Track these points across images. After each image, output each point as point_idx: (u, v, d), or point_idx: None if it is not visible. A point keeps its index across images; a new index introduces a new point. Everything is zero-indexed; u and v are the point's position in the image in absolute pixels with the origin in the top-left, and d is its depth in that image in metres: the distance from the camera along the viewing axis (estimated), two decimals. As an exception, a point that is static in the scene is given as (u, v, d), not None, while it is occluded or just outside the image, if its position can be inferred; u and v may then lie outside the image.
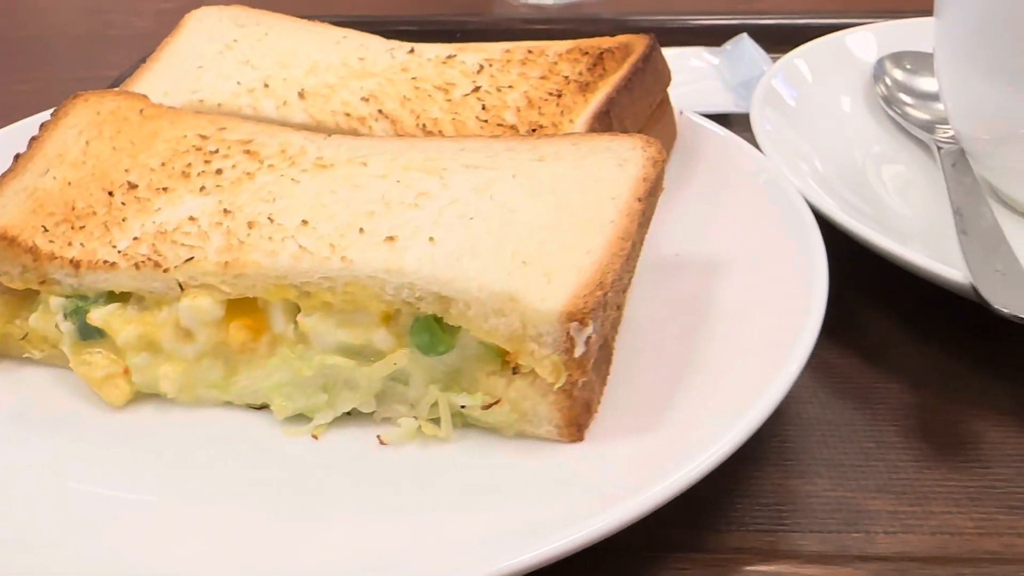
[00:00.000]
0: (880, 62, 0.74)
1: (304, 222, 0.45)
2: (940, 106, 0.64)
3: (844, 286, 0.58)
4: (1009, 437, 0.48)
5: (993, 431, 0.49)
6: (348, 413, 0.44)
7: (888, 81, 0.72)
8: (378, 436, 0.43)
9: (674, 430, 0.42)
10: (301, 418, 0.45)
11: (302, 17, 0.93)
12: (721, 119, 0.76)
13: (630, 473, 0.39)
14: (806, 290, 0.47)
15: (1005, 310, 0.44)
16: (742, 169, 0.60)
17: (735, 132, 0.65)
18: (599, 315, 0.40)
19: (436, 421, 0.43)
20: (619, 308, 0.45)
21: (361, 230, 0.44)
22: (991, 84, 0.57)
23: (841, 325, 0.56)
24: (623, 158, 0.50)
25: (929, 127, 0.67)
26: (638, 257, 0.47)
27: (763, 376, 0.42)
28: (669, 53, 0.87)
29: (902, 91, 0.71)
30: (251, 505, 0.41)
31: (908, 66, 0.72)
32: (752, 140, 0.63)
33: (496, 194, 0.47)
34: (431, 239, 0.43)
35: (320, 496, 0.41)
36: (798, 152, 0.63)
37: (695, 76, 0.85)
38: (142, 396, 0.47)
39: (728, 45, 0.88)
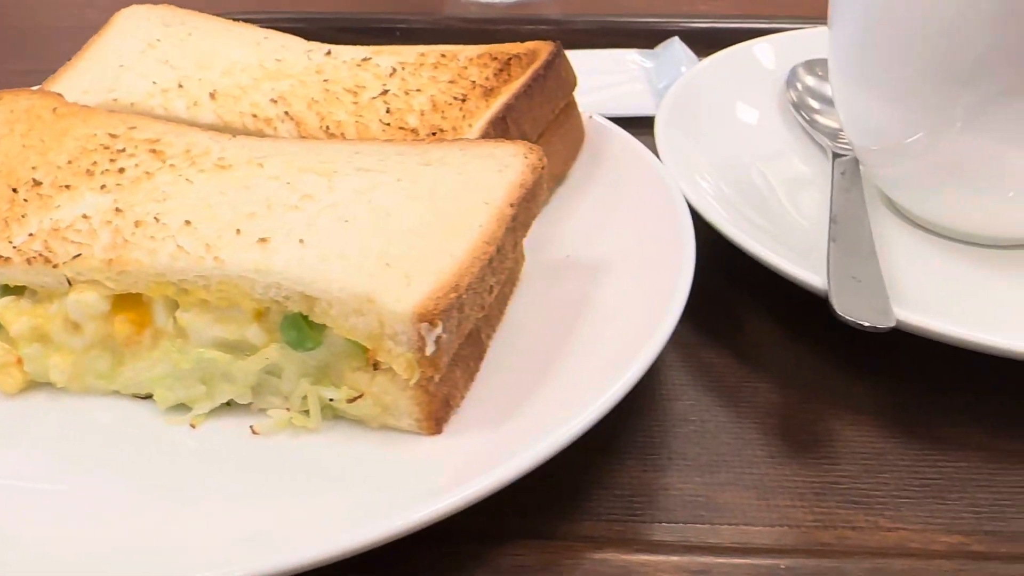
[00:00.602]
0: (794, 69, 0.76)
1: (187, 222, 0.48)
2: (842, 113, 0.66)
3: (731, 290, 0.61)
4: (861, 436, 0.51)
5: (848, 430, 0.51)
6: (227, 404, 0.47)
7: (799, 87, 0.75)
8: (251, 426, 0.46)
9: (528, 423, 0.44)
10: (182, 407, 0.47)
11: (247, 13, 0.95)
12: (646, 121, 0.79)
13: (479, 463, 0.41)
14: (669, 295, 0.49)
15: (847, 316, 0.47)
16: (638, 175, 0.62)
17: (653, 135, 0.67)
18: (452, 315, 0.43)
19: (307, 413, 0.46)
20: (486, 308, 0.48)
21: (238, 231, 0.47)
22: (876, 96, 0.59)
23: (723, 327, 0.59)
24: (504, 164, 0.52)
25: (833, 134, 0.70)
26: (509, 257, 0.50)
27: (616, 371, 0.45)
28: (603, 54, 0.90)
29: (812, 97, 0.74)
30: (131, 487, 0.44)
31: (820, 73, 0.75)
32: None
33: (376, 197, 0.50)
34: (301, 241, 0.46)
35: (194, 480, 0.44)
36: (695, 159, 0.65)
37: (626, 78, 0.88)
38: (35, 384, 0.49)
39: (659, 48, 0.90)
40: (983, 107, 0.53)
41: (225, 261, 0.45)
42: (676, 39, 0.91)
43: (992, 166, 0.55)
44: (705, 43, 0.90)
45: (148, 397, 0.48)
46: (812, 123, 0.72)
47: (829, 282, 0.51)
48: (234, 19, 0.94)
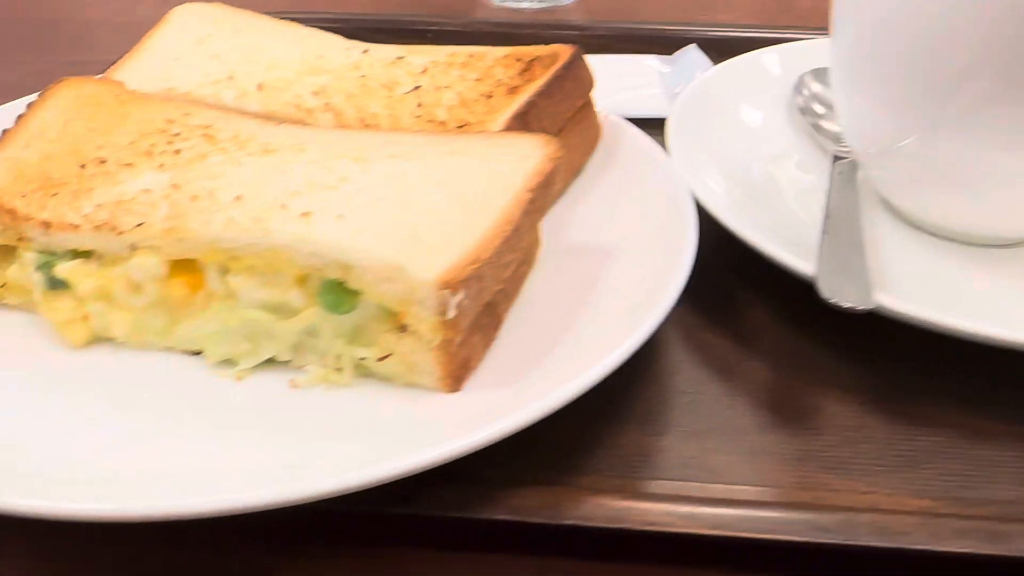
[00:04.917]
0: (802, 76, 0.81)
1: (238, 198, 0.54)
2: (846, 118, 0.71)
3: (732, 278, 0.67)
4: (843, 411, 0.56)
5: (832, 406, 0.56)
6: (269, 360, 0.53)
7: (806, 93, 0.80)
8: (290, 380, 0.52)
9: (537, 383, 0.50)
10: (229, 362, 0.53)
11: (288, 13, 1.02)
12: (658, 123, 0.84)
13: (489, 415, 0.47)
14: (669, 278, 0.55)
15: (831, 298, 0.52)
16: (647, 170, 0.68)
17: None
18: (472, 284, 0.49)
19: (340, 370, 0.52)
20: (504, 282, 0.53)
21: (283, 206, 0.53)
22: (871, 102, 0.64)
23: (723, 312, 0.64)
24: (524, 154, 0.58)
25: (835, 138, 0.75)
26: (526, 237, 0.55)
27: (615, 344, 0.50)
28: (622, 59, 0.96)
29: (817, 103, 0.79)
30: (182, 428, 0.50)
31: (826, 80, 0.80)
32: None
33: (407, 180, 0.56)
34: (339, 216, 0.52)
35: (238, 424, 0.50)
36: (703, 157, 0.70)
37: (643, 82, 0.93)
38: (99, 339, 0.56)
39: (677, 54, 0.96)
40: (967, 113, 0.58)
41: (272, 232, 0.51)
42: (694, 46, 0.96)
43: (977, 169, 0.60)
44: (720, 51, 0.95)
45: (198, 353, 0.54)
46: (816, 127, 0.77)
47: (817, 269, 0.56)
48: (277, 18, 1.01)
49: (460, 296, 0.48)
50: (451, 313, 0.48)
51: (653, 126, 0.76)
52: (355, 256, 0.49)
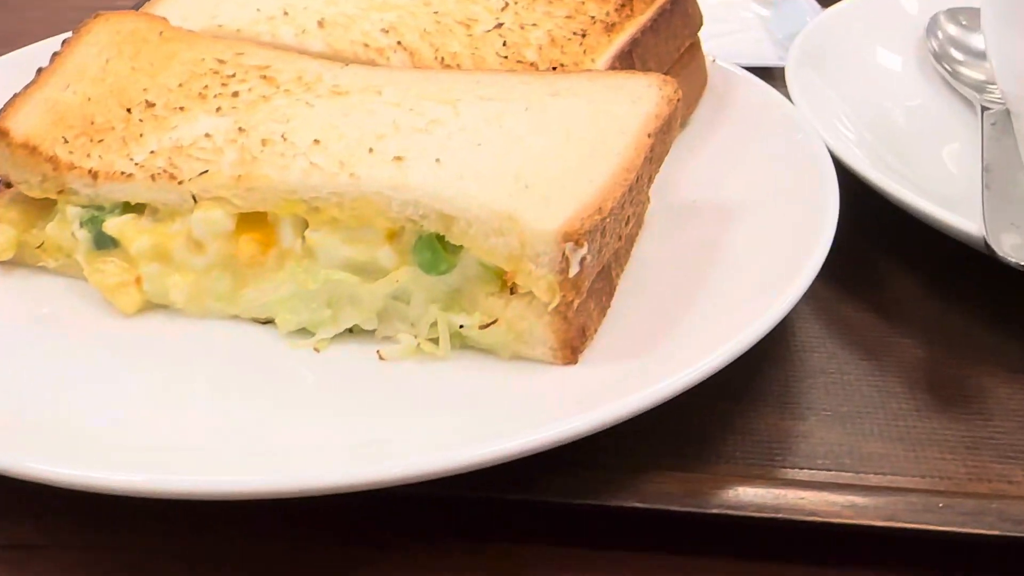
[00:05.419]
0: (935, 17, 0.80)
1: (316, 141, 0.53)
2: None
3: (869, 243, 0.65)
4: (1016, 393, 0.55)
5: (1001, 387, 0.55)
6: (350, 330, 0.52)
7: (940, 36, 0.78)
8: (378, 351, 0.51)
9: (662, 359, 0.49)
10: (304, 332, 0.53)
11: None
12: (764, 72, 0.83)
13: (613, 391, 0.46)
14: (813, 236, 0.54)
15: (1010, 258, 0.51)
16: (769, 119, 0.67)
17: (775, 85, 0.71)
18: (596, 238, 0.48)
19: (435, 340, 0.51)
20: (622, 239, 0.52)
21: (371, 150, 0.52)
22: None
23: (861, 281, 0.63)
24: (637, 95, 0.57)
25: (979, 87, 0.73)
26: (645, 190, 0.55)
27: (754, 313, 0.49)
28: (718, 2, 0.94)
29: (954, 47, 0.77)
30: (251, 407, 0.49)
31: (964, 22, 0.79)
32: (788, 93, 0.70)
33: (506, 123, 0.55)
34: (437, 160, 0.51)
35: (318, 400, 0.50)
36: (831, 105, 0.69)
37: (742, 27, 0.92)
38: (153, 305, 0.55)
39: (779, -4, 0.95)
40: None
41: (360, 177, 0.50)
42: (797, -13, 0.95)
43: None
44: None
45: (268, 322, 0.54)
46: (955, 75, 0.75)
47: (986, 227, 0.54)
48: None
49: (583, 251, 0.47)
50: (574, 270, 0.47)
51: (758, 74, 0.75)
52: (459, 205, 0.49)
